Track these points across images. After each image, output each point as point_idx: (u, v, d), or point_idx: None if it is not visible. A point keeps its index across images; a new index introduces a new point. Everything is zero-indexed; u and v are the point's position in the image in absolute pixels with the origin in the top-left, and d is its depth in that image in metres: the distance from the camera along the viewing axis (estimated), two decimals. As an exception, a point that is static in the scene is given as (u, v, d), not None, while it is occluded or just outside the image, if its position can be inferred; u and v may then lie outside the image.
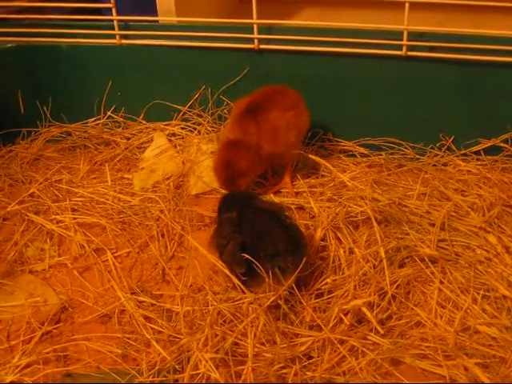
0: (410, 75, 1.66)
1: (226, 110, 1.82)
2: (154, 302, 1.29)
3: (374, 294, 1.23)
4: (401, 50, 1.62)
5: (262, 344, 1.15)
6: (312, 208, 1.48)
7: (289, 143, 1.56)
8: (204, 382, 1.08)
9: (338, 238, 1.39)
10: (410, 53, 1.62)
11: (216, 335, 1.15)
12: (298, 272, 1.18)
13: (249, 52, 1.73)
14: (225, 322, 1.20)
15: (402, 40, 1.60)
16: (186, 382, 1.08)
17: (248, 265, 1.19)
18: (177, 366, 1.12)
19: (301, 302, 1.23)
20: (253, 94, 1.58)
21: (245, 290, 1.22)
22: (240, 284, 1.23)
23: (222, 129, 1.80)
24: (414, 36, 1.61)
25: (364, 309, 1.20)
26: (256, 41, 1.71)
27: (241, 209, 1.30)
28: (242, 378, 1.09)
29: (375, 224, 1.36)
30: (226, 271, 1.26)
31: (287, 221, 1.27)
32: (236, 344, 1.15)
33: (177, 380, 1.10)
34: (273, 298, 1.18)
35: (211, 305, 1.23)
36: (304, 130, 1.62)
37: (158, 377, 1.10)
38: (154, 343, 1.18)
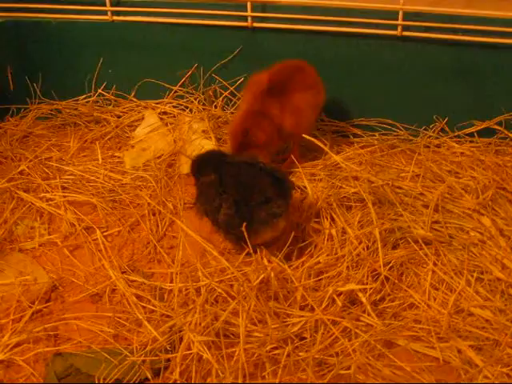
0: (405, 56, 1.65)
1: (217, 89, 1.81)
2: (145, 281, 1.28)
3: (367, 276, 1.23)
4: (396, 29, 1.60)
5: (254, 324, 1.14)
6: (305, 188, 1.47)
7: (310, 124, 1.58)
8: (195, 362, 1.07)
9: (331, 218, 1.38)
10: (405, 33, 1.60)
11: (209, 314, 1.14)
12: (288, 245, 1.22)
13: (242, 30, 1.72)
14: (217, 301, 1.19)
15: (397, 20, 1.59)
16: (178, 361, 1.08)
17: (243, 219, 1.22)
18: (168, 346, 1.11)
19: (292, 282, 1.22)
20: (272, 71, 1.55)
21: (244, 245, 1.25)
22: (241, 244, 1.26)
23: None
24: (409, 16, 1.59)
25: (358, 292, 1.20)
26: (249, 19, 1.69)
27: (216, 168, 1.30)
28: (234, 358, 1.08)
29: (370, 205, 1.35)
30: (215, 253, 1.28)
31: (267, 167, 1.28)
32: (228, 323, 1.14)
33: (168, 359, 1.10)
34: (263, 276, 1.18)
35: (203, 286, 1.22)
36: (320, 108, 1.62)
37: (149, 356, 1.09)
38: (146, 323, 1.18)
